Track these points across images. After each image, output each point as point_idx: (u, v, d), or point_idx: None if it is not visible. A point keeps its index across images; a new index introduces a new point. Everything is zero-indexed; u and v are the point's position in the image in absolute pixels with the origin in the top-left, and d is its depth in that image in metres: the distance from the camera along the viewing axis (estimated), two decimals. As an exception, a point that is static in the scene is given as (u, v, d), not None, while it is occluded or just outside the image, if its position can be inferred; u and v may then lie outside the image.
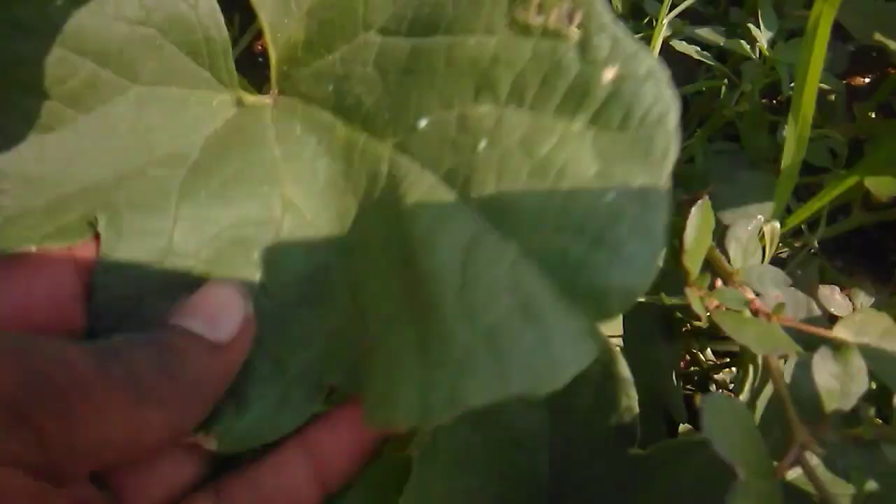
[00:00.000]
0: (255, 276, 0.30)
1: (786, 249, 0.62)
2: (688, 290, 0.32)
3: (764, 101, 0.75)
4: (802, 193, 0.60)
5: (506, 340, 0.21)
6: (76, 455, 0.22)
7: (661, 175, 0.22)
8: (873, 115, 0.63)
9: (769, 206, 0.51)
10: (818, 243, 0.61)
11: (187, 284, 0.28)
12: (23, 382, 0.20)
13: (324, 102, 0.32)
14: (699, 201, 0.33)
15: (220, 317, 0.26)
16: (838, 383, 0.27)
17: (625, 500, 0.34)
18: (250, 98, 0.34)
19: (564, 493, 0.35)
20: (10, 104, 0.30)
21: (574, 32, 0.24)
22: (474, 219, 0.24)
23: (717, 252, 0.36)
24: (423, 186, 0.26)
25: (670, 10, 0.61)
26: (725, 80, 0.62)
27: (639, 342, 0.46)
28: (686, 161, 0.66)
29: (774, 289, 0.33)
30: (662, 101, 0.23)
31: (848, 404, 0.27)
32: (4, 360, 0.21)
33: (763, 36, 0.56)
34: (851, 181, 0.45)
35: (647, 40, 0.61)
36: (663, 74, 0.23)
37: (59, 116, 0.31)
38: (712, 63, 0.59)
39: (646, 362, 0.45)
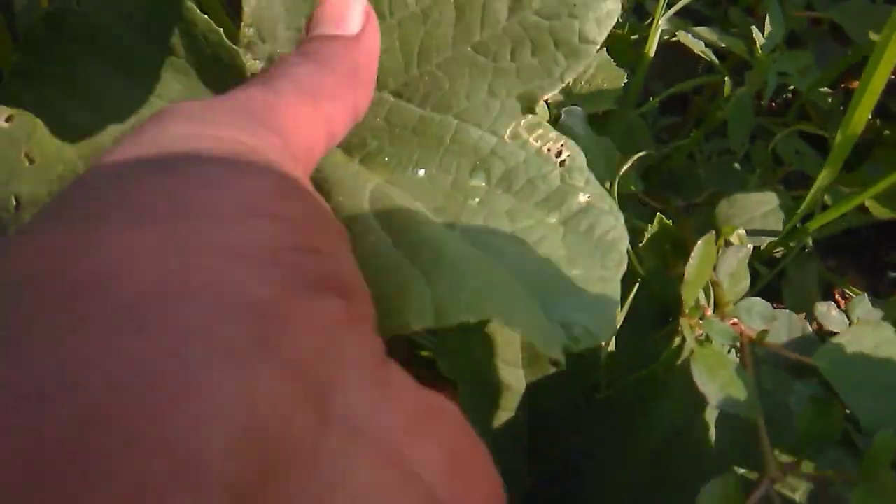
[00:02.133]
0: None
1: (780, 248, 0.64)
2: (682, 321, 0.33)
3: (774, 104, 0.76)
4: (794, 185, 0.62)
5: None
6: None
7: (615, 278, 0.30)
8: (870, 117, 0.64)
9: (766, 208, 0.52)
10: (812, 243, 0.63)
11: None
12: None
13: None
14: (705, 236, 0.34)
15: (346, 15, 0.30)
16: (815, 429, 0.29)
17: (594, 440, 0.39)
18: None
19: (543, 441, 0.39)
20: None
21: (560, 162, 0.32)
22: (463, 241, 0.30)
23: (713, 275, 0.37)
24: (415, 212, 0.32)
25: (669, 9, 0.62)
26: (725, 79, 0.63)
27: (634, 330, 0.49)
28: (688, 157, 0.68)
29: (760, 321, 0.34)
30: (618, 229, 0.31)
31: (819, 445, 0.29)
32: None
33: (762, 39, 0.57)
34: (857, 201, 0.46)
35: (648, 41, 0.62)
36: (621, 214, 0.31)
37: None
38: (712, 60, 0.60)
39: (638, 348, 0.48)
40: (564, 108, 0.51)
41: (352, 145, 0.35)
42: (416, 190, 0.33)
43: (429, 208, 0.32)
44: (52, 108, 0.35)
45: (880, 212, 0.47)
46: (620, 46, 0.62)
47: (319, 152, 0.26)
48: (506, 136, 0.32)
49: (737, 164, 0.59)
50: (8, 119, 0.32)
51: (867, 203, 0.47)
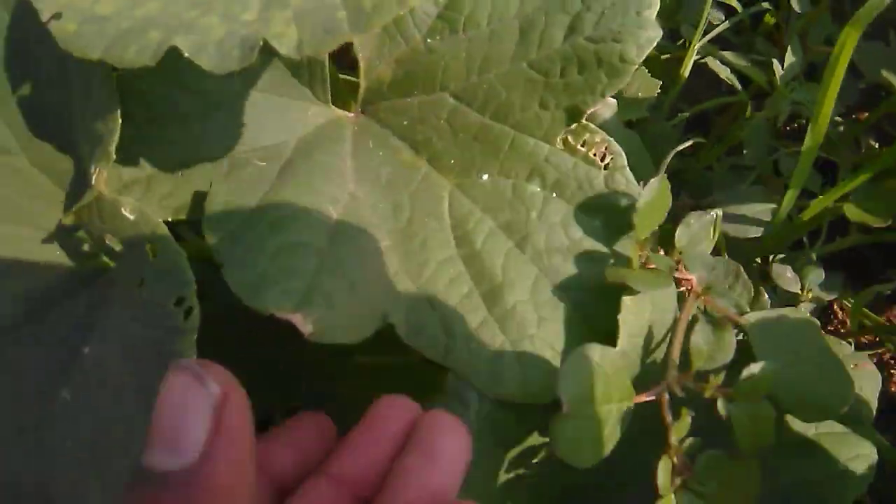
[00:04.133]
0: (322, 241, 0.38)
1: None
2: (630, 244, 0.39)
3: (789, 128, 0.83)
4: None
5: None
6: None
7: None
8: (877, 145, 0.71)
9: (761, 209, 0.60)
10: (816, 257, 0.70)
11: None
12: None
13: (397, 130, 0.44)
14: (654, 179, 0.40)
15: (179, 434, 0.22)
16: (708, 348, 0.37)
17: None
18: (338, 112, 0.45)
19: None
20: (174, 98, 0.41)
21: (603, 165, 0.40)
22: (531, 266, 0.39)
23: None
24: (486, 228, 0.40)
25: (704, 35, 0.71)
26: (748, 102, 0.71)
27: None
28: (704, 168, 0.76)
29: (702, 268, 0.40)
30: None
31: (712, 365, 0.37)
32: None
33: (781, 70, 0.65)
34: (827, 202, 0.54)
35: (679, 60, 0.70)
36: None
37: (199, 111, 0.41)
38: (735, 85, 0.68)
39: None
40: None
41: (418, 142, 0.43)
42: (485, 200, 0.41)
43: (499, 224, 0.40)
44: (172, 104, 0.40)
45: (856, 215, 0.55)
46: (653, 65, 0.70)
47: None
48: (557, 144, 0.40)
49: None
50: (132, 210, 0.34)
51: (844, 208, 0.55)
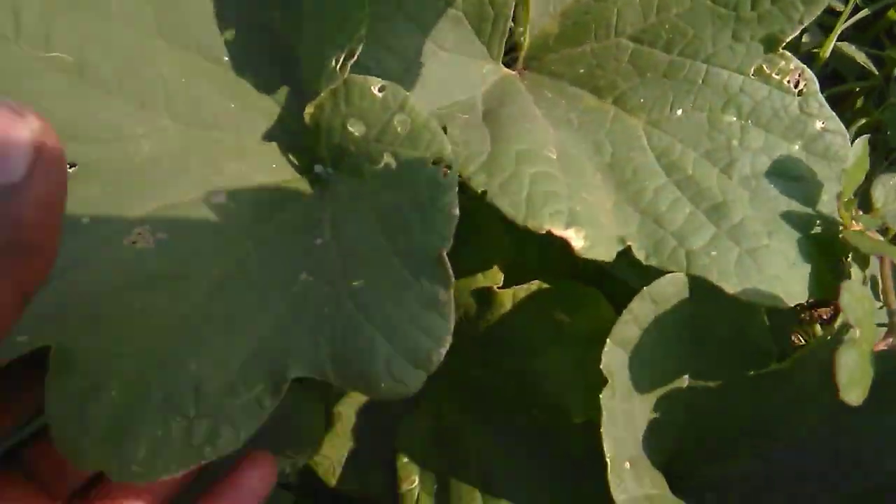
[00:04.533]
0: (559, 173, 0.40)
1: None
2: (840, 206, 0.41)
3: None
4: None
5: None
6: None
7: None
8: None
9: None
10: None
11: None
12: None
13: (573, 79, 0.46)
14: (858, 141, 0.42)
15: (2, 155, 0.23)
16: None
17: (756, 410, 0.44)
18: (505, 70, 0.48)
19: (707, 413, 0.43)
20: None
21: (796, 92, 0.41)
22: (742, 189, 0.40)
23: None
24: (691, 158, 0.41)
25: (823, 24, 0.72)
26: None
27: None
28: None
29: None
30: (847, 147, 0.41)
31: None
32: None
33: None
34: None
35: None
36: (846, 133, 0.41)
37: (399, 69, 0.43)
38: (871, 69, 0.70)
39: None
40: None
41: (601, 87, 0.44)
42: (682, 133, 0.42)
43: (700, 154, 0.41)
44: (376, 60, 0.42)
45: None
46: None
47: None
48: (751, 74, 0.41)
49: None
50: (381, 89, 0.37)
51: None
